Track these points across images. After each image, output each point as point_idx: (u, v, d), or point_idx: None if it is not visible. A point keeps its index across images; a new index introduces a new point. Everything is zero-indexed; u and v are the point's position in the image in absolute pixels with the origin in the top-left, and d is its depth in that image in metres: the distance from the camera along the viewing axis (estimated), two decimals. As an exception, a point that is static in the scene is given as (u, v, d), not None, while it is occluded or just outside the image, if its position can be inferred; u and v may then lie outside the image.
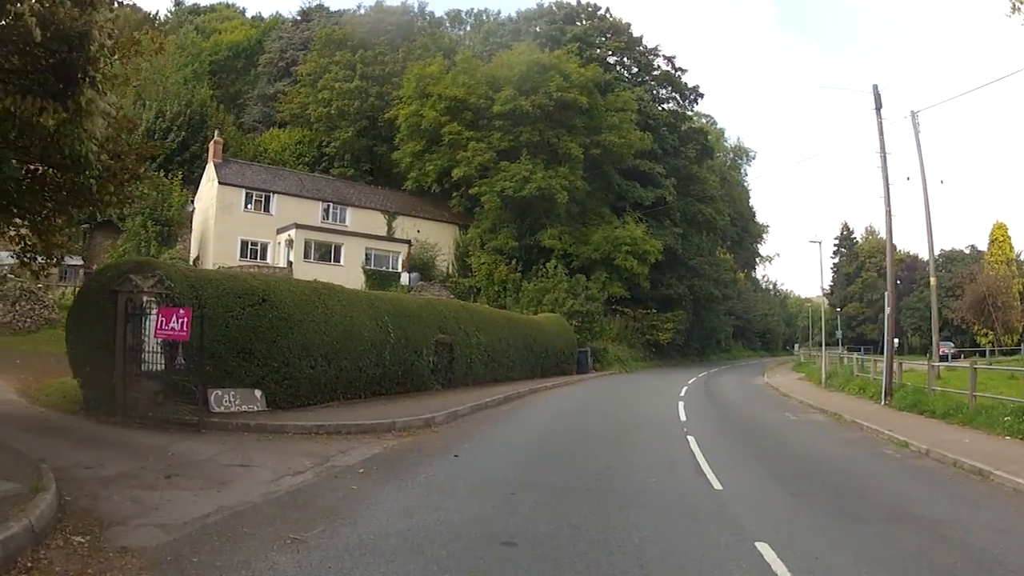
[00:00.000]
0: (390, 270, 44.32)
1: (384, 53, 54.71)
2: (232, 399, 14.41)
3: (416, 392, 20.29)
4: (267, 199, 44.37)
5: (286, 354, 15.52)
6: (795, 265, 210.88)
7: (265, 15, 71.78)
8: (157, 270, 14.44)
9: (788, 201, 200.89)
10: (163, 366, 13.68)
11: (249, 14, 75.58)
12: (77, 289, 22.56)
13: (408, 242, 45.55)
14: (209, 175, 44.64)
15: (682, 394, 26.01)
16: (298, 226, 41.93)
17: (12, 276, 28.79)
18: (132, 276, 14.11)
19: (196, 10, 72.92)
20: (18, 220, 13.33)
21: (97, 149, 10.53)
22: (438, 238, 47.31)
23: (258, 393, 14.93)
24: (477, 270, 45.63)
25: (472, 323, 25.34)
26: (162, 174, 43.18)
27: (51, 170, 11.56)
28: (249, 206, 43.60)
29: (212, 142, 45.07)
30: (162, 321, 13.09)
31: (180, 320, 12.80)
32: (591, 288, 44.31)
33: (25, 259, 14.05)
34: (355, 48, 54.60)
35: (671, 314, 54.24)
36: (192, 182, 46.73)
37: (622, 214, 50.13)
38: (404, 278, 43.98)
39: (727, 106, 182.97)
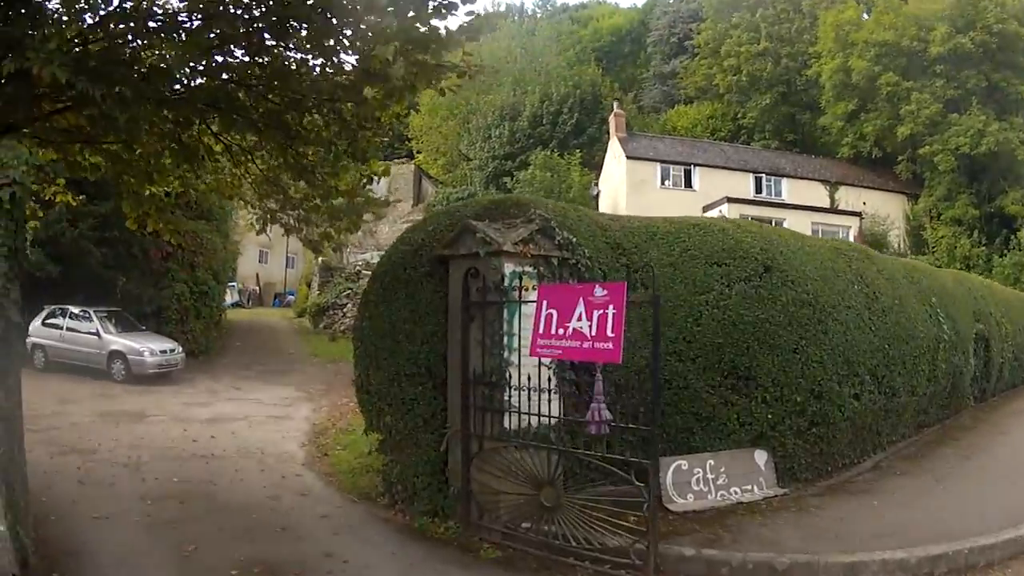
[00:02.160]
0: (841, 248, 39.87)
1: (786, 11, 50.43)
2: (709, 477, 7.58)
3: (955, 415, 13.40)
4: (688, 173, 41.74)
5: (817, 374, 8.58)
6: None
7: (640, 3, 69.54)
8: (533, 212, 7.47)
9: None
10: (558, 418, 6.69)
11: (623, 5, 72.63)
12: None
13: (858, 215, 40.67)
14: (614, 151, 42.87)
15: None
16: (730, 200, 38.78)
17: (368, 272, 28.83)
18: (478, 226, 6.96)
19: (565, 9, 73.07)
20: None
21: None
22: (887, 210, 41.70)
23: (761, 458, 8.05)
24: (935, 245, 39.78)
25: (996, 306, 17.87)
26: (557, 155, 42.70)
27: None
28: (667, 182, 41.41)
29: (612, 115, 43.14)
30: (549, 317, 6.11)
31: (597, 313, 5.75)
32: (1071, 262, 36.93)
33: (290, 223, 8.95)
34: (753, 8, 50.96)
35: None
36: (592, 166, 46.24)
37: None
38: (859, 257, 39.32)
39: None
